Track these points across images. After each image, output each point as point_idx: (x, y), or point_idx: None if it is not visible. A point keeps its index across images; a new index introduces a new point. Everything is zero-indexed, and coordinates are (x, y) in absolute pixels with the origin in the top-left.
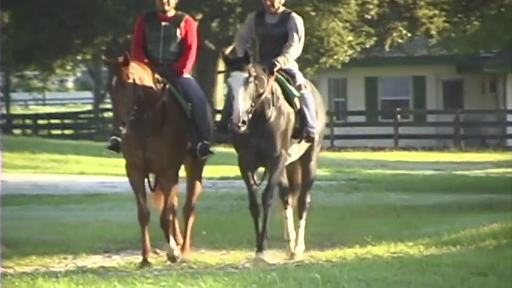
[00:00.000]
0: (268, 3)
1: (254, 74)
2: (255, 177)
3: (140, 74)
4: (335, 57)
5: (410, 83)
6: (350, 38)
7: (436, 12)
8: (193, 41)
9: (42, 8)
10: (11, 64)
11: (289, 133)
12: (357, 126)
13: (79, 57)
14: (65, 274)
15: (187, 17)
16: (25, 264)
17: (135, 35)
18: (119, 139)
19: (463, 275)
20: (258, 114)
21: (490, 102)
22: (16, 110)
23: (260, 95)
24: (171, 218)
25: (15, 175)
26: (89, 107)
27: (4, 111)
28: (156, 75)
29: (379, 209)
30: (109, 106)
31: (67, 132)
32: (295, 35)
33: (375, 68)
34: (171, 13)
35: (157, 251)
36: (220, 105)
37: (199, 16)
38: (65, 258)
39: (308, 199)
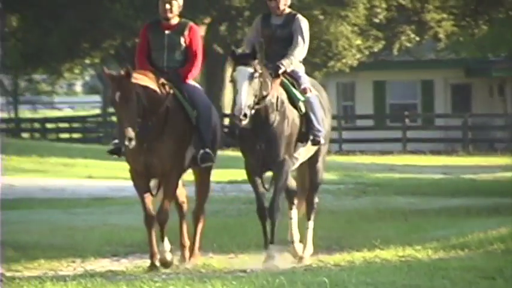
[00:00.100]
0: (273, 4)
1: (260, 70)
2: (264, 183)
3: (143, 82)
4: (343, 61)
5: (419, 86)
6: (358, 41)
7: (445, 16)
8: (198, 48)
9: (50, 11)
10: (20, 68)
11: (294, 138)
12: (365, 130)
13: (87, 61)
14: (73, 278)
15: (191, 24)
16: (33, 268)
17: (139, 44)
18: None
19: (471, 279)
20: (262, 119)
21: (498, 106)
22: (24, 113)
23: (264, 97)
24: (165, 220)
25: (24, 179)
26: (97, 111)
27: (13, 115)
28: (162, 80)
29: (387, 213)
30: None
31: (75, 135)
32: (299, 36)
33: (383, 71)
34: (175, 21)
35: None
36: (228, 109)
37: (207, 20)
38: (73, 262)
39: (316, 200)
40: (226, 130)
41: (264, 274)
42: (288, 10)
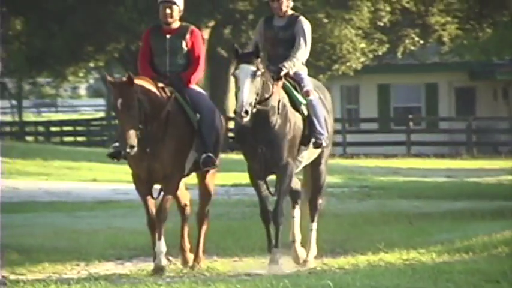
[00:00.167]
0: (276, 5)
1: (262, 69)
2: (268, 186)
3: (145, 87)
4: (347, 64)
5: (423, 90)
6: (362, 45)
7: (449, 19)
8: (201, 52)
9: (54, 15)
10: (24, 71)
11: (298, 141)
12: (369, 133)
13: (91, 64)
14: (77, 281)
15: (192, 28)
16: (37, 271)
17: (142, 49)
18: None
19: (476, 282)
20: (263, 122)
21: (502, 109)
22: (28, 117)
23: (266, 99)
24: (162, 221)
25: (28, 182)
26: (102, 114)
27: (17, 118)
28: (161, 85)
29: (391, 216)
30: None
31: (79, 139)
32: (302, 38)
33: (387, 75)
34: (176, 25)
35: (170, 258)
36: (232, 112)
37: (211, 23)
38: (77, 265)
39: (319, 201)
40: (230, 134)
41: (268, 277)
42: (290, 12)
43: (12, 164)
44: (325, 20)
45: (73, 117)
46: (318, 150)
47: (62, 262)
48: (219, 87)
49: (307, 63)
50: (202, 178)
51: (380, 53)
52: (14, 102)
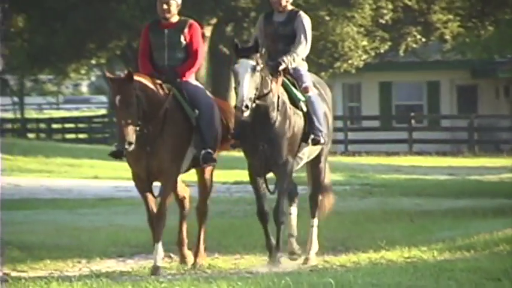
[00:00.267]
0: (275, 0)
1: (262, 64)
2: (267, 184)
3: (143, 83)
4: (349, 62)
5: (425, 87)
6: (364, 42)
7: (451, 17)
8: (199, 46)
9: (56, 12)
10: (25, 68)
11: (298, 138)
12: (371, 131)
13: (93, 62)
14: (78, 278)
15: (191, 21)
16: (39, 268)
17: (141, 45)
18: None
19: (477, 280)
20: (262, 119)
21: (504, 107)
22: (30, 114)
23: (265, 94)
24: (162, 220)
25: (29, 179)
26: (103, 111)
27: (18, 115)
28: (158, 81)
29: (393, 214)
30: None
31: (81, 136)
32: (302, 34)
33: (389, 72)
34: (174, 19)
35: (171, 255)
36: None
37: (213, 20)
38: (79, 263)
39: (320, 197)
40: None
41: (270, 275)
42: (290, 7)
43: (14, 161)
44: (327, 18)
45: (75, 115)
46: (319, 147)
47: (64, 259)
48: (221, 84)
49: (309, 61)
50: (201, 174)
51: (382, 51)
52: (15, 99)
